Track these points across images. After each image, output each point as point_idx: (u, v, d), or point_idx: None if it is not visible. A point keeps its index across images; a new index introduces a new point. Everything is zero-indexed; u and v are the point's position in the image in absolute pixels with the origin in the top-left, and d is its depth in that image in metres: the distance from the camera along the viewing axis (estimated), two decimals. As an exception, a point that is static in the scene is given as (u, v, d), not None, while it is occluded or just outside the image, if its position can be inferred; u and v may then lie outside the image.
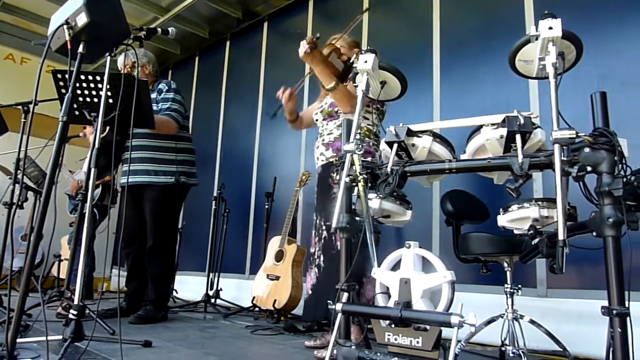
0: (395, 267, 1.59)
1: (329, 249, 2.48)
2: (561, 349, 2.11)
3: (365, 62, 1.73)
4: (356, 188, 1.72)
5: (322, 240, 2.53)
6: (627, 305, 1.31)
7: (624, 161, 1.42)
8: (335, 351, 1.59)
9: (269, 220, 4.18)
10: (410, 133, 1.68)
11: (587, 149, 1.40)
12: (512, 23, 3.19)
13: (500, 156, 1.55)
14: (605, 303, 1.33)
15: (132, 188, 3.09)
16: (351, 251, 1.74)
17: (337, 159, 2.49)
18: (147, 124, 2.77)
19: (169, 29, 2.53)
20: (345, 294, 1.66)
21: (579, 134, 1.37)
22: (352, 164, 1.67)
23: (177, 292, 4.58)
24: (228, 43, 5.67)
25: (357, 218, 1.76)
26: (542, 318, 2.25)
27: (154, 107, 2.98)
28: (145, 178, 3.09)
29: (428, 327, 1.46)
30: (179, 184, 3.16)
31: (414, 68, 3.50)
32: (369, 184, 1.74)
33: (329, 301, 1.65)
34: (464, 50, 3.42)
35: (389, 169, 1.68)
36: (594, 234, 1.39)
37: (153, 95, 3.08)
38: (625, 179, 1.41)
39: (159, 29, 2.48)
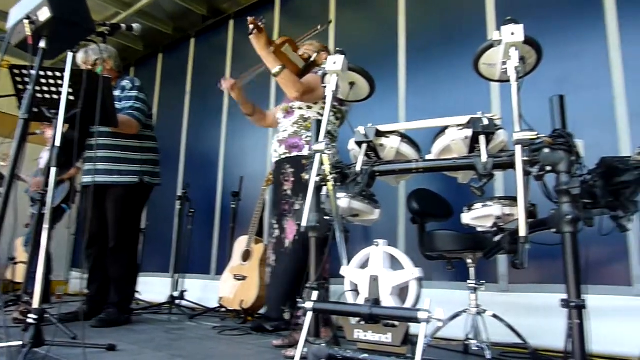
0: (364, 265, 1.62)
1: (279, 247, 2.48)
2: (522, 342, 2.20)
3: (335, 63, 1.75)
4: (325, 187, 1.74)
5: (274, 240, 2.53)
6: (583, 298, 1.38)
7: (580, 161, 1.49)
8: (305, 349, 1.60)
9: (235, 220, 4.15)
10: (379, 134, 1.71)
11: (546, 150, 1.46)
12: (475, 27, 3.28)
13: (465, 156, 1.60)
14: (564, 296, 1.39)
15: (92, 188, 3.01)
16: (321, 250, 1.76)
17: (291, 156, 2.51)
18: (109, 122, 2.69)
19: (134, 26, 2.48)
20: (315, 292, 1.67)
21: (539, 135, 1.43)
22: (322, 163, 1.69)
23: (140, 294, 4.48)
24: (193, 40, 5.58)
25: (326, 217, 1.78)
26: (504, 312, 2.33)
27: (117, 105, 2.91)
28: (108, 178, 3.01)
29: (397, 323, 1.49)
30: (143, 184, 3.09)
31: (380, 69, 3.54)
32: (339, 184, 1.76)
33: (298, 299, 1.66)
34: (429, 52, 3.50)
35: (358, 169, 1.71)
36: (553, 230, 1.46)
37: (116, 93, 3.01)
38: (581, 178, 1.49)
39: (123, 25, 2.42)
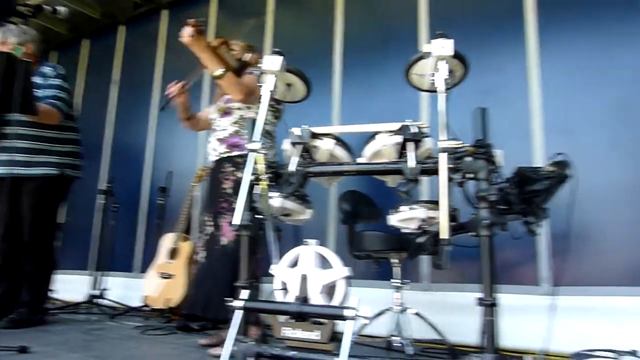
0: (294, 264, 1.64)
1: (212, 244, 2.46)
2: (441, 338, 2.33)
3: (272, 63, 1.76)
4: (258, 186, 1.75)
5: (207, 236, 2.50)
6: (495, 297, 1.48)
7: (498, 170, 1.61)
8: (233, 348, 1.60)
9: (163, 217, 4.02)
10: (314, 135, 1.74)
11: (469, 158, 1.56)
12: (409, 36, 3.41)
13: (395, 161, 1.67)
14: (480, 295, 1.50)
15: (7, 180, 2.80)
16: (253, 248, 1.76)
17: (231, 155, 2.49)
18: (27, 110, 2.52)
19: (59, 8, 2.33)
20: (246, 291, 1.67)
21: (462, 145, 1.53)
22: (256, 162, 1.70)
23: (56, 293, 4.21)
24: (123, 28, 5.34)
25: (258, 216, 1.79)
26: (426, 310, 2.45)
27: (37, 93, 2.73)
28: (24, 170, 2.81)
29: (325, 320, 1.53)
30: (63, 177, 2.93)
31: (316, 71, 3.59)
32: (273, 183, 1.77)
33: (225, 298, 1.66)
34: (365, 57, 3.59)
35: (292, 169, 1.73)
36: (472, 233, 1.56)
37: (36, 79, 2.81)
38: (499, 186, 1.60)
39: (48, 7, 2.28)
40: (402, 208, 1.90)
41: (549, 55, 2.95)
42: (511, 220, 1.78)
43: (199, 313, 2.46)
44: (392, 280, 2.43)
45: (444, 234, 1.49)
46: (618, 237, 2.65)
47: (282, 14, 4.12)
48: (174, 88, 2.70)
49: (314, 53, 3.82)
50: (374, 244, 2.33)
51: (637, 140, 2.66)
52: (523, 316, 2.54)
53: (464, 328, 2.57)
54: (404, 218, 1.90)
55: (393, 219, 1.95)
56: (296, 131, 1.73)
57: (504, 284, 2.70)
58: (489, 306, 1.48)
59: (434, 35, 1.61)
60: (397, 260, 2.38)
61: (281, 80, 1.86)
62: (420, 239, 1.88)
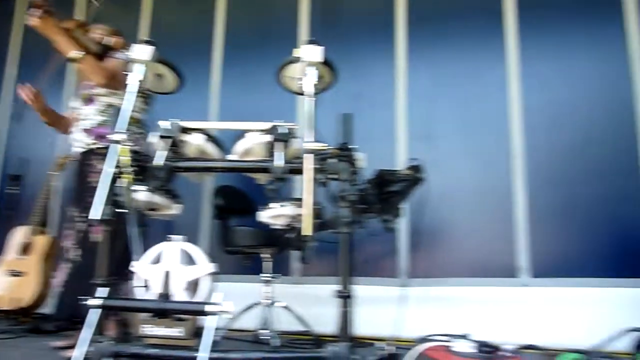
0: (157, 260, 1.61)
1: (85, 241, 2.31)
2: (307, 329, 2.44)
3: (142, 52, 1.70)
4: (122, 179, 1.67)
5: (78, 233, 2.34)
6: (350, 289, 1.60)
7: (359, 172, 1.74)
8: (89, 348, 1.52)
9: (14, 208, 3.63)
10: (183, 130, 1.72)
11: (332, 160, 1.66)
12: (289, 34, 3.48)
13: (264, 160, 1.72)
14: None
15: None
16: (114, 244, 1.69)
17: (100, 147, 2.34)
18: None
19: None
20: (105, 289, 1.60)
21: (327, 147, 1.63)
22: (120, 154, 1.63)
23: None
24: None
25: (122, 210, 1.72)
26: (296, 303, 2.54)
27: None
28: None
29: (188, 317, 1.52)
30: None
31: (195, 63, 3.54)
32: (137, 176, 1.71)
33: (82, 297, 1.57)
34: (245, 52, 3.58)
35: (159, 163, 1.69)
36: (333, 230, 1.67)
37: None
38: (359, 187, 1.73)
39: None
40: (272, 205, 1.96)
41: (417, 64, 3.22)
42: (370, 218, 1.94)
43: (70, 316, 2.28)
44: (262, 275, 2.48)
45: (307, 230, 1.57)
46: (466, 234, 3.00)
47: (161, 4, 3.94)
48: (26, 94, 2.43)
49: (194, 44, 3.72)
50: (244, 239, 2.37)
51: (487, 149, 3.03)
52: (384, 306, 2.75)
53: (331, 319, 2.71)
54: (274, 215, 1.95)
55: (263, 216, 1.99)
56: (164, 124, 1.69)
57: (368, 277, 2.94)
58: (345, 298, 1.59)
59: (306, 41, 1.68)
60: (267, 255, 2.44)
61: (151, 70, 1.80)
62: (289, 235, 1.96)
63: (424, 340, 1.55)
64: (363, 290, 2.84)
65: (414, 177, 2.02)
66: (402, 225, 2.99)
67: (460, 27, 3.20)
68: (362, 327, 2.15)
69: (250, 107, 3.41)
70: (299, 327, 2.51)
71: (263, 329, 2.45)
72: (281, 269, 2.95)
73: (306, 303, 2.86)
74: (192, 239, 1.67)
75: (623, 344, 1.85)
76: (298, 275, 3.11)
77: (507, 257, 2.87)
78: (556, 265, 2.79)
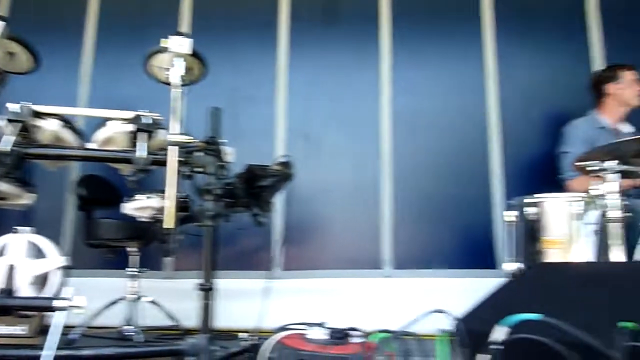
0: (1, 253, 1.49)
1: None
2: (176, 324, 2.40)
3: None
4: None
5: None
6: (212, 282, 1.63)
7: (227, 166, 1.76)
8: None
9: None
10: (36, 114, 1.61)
11: (199, 153, 1.67)
12: (168, 24, 3.34)
13: (125, 150, 1.67)
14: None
15: None
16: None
17: None
18: None
19: None
20: None
21: (194, 140, 1.63)
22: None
23: None
24: None
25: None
26: (168, 298, 2.49)
27: None
28: None
29: (34, 313, 1.44)
30: None
31: (64, 46, 3.28)
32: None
33: None
34: (121, 38, 3.38)
35: (6, 149, 1.56)
36: (198, 223, 1.68)
37: None
38: (226, 181, 1.76)
39: None
40: (138, 196, 1.91)
41: (297, 63, 3.30)
42: (239, 212, 1.97)
43: None
44: (127, 269, 2.39)
45: (169, 223, 1.56)
46: (338, 228, 3.15)
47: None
48: None
49: (63, 27, 3.44)
50: (108, 232, 2.26)
51: (360, 149, 3.21)
52: (254, 299, 2.80)
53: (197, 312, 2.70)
54: (140, 207, 1.91)
55: (128, 207, 1.93)
56: (13, 107, 1.57)
57: (240, 270, 2.97)
58: (206, 290, 1.61)
59: (175, 32, 1.66)
60: (134, 249, 2.35)
61: (1, 47, 1.65)
62: (154, 228, 1.93)
63: (282, 329, 1.62)
64: (234, 284, 2.88)
65: (284, 172, 2.08)
66: (277, 219, 3.07)
67: (340, 29, 3.35)
68: (232, 319, 2.20)
69: (124, 96, 3.23)
70: (167, 322, 2.46)
71: (127, 324, 2.36)
72: (153, 263, 2.87)
73: (178, 298, 2.80)
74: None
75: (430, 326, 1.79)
76: (170, 270, 3.03)
77: (374, 250, 3.07)
78: (415, 258, 3.06)
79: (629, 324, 0.79)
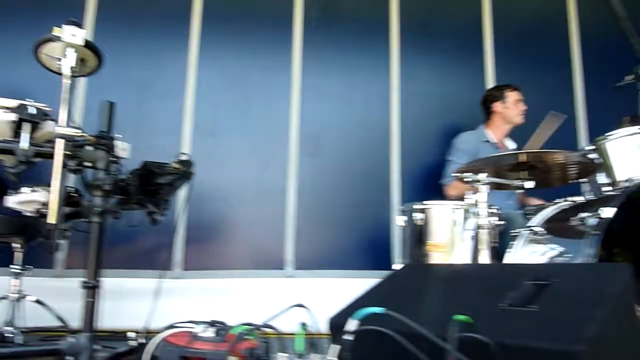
0: None
1: None
2: (63, 324, 2.29)
3: None
4: None
5: None
6: (98, 280, 1.59)
7: (119, 162, 1.72)
8: None
9: None
10: None
11: (89, 147, 1.62)
12: (75, 6, 3.17)
13: (6, 140, 1.58)
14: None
15: None
16: None
17: None
18: None
19: None
20: None
21: (83, 134, 1.58)
22: None
23: None
24: None
25: None
26: (58, 297, 2.36)
27: None
28: None
29: None
30: None
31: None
32: None
33: None
34: (20, 17, 3.15)
35: None
36: (86, 219, 1.63)
37: None
38: (118, 177, 1.72)
39: None
40: (23, 189, 1.81)
41: (207, 62, 3.27)
42: (132, 210, 1.94)
43: None
44: (11, 266, 2.25)
45: (53, 218, 1.50)
46: (243, 229, 3.18)
47: None
48: None
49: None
50: (-10, 227, 2.11)
51: (268, 151, 3.26)
52: (149, 298, 2.74)
53: (101, 313, 2.59)
54: (24, 200, 1.80)
55: (11, 201, 1.82)
56: None
57: (137, 269, 2.89)
58: (91, 288, 1.57)
59: (68, 20, 1.61)
60: (18, 245, 2.22)
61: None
62: (38, 223, 1.83)
63: (169, 327, 1.61)
64: (129, 283, 2.81)
65: (183, 171, 2.07)
66: (177, 218, 3.02)
67: (253, 30, 3.37)
68: (125, 319, 2.14)
69: (20, 84, 3.00)
70: (55, 323, 2.34)
71: (8, 325, 2.22)
72: (44, 261, 2.71)
73: (68, 297, 2.67)
74: None
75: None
76: (62, 268, 2.89)
77: (277, 251, 3.14)
78: (317, 259, 3.16)
79: (462, 317, 0.90)
